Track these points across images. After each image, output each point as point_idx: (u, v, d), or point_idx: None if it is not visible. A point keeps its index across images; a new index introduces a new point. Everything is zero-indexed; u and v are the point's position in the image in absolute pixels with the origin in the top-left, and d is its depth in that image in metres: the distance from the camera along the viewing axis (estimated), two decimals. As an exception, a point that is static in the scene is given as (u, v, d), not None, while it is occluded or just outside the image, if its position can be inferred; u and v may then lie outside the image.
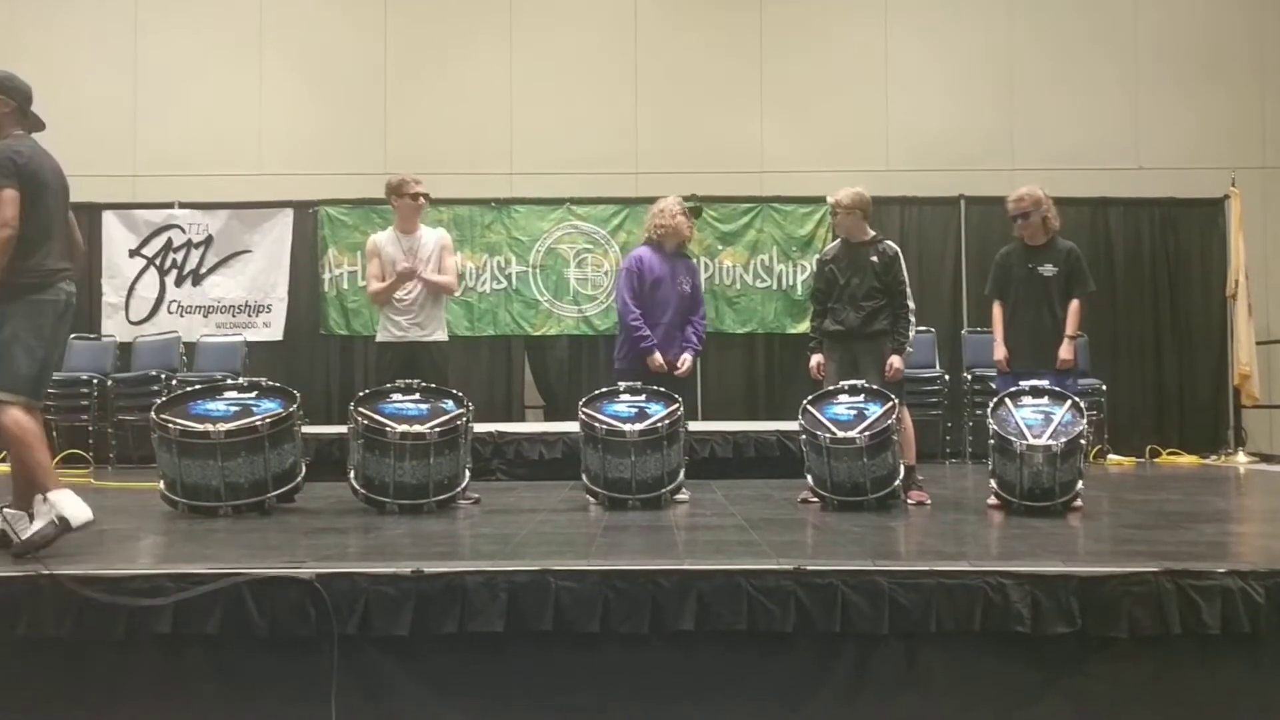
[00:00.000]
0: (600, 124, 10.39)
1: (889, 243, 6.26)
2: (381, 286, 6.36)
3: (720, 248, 10.16)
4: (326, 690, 3.38)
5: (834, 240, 6.55)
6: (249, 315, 10.17)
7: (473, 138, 10.33)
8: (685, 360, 6.47)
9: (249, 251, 10.18)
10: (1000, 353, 6.27)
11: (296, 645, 3.42)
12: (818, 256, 6.77)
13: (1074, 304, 6.20)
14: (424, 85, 10.46)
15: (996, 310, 6.38)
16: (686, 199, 6.90)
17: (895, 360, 5.99)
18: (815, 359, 6.21)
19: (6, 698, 3.44)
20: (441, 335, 6.46)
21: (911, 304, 6.15)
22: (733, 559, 3.75)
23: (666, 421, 5.80)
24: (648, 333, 6.37)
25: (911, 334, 6.13)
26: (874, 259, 6.10)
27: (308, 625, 3.40)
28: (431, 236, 6.50)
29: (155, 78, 10.42)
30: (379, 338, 6.49)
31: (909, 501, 5.77)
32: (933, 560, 3.73)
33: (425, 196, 6.48)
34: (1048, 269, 6.22)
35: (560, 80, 10.47)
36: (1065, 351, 6.17)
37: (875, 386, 5.85)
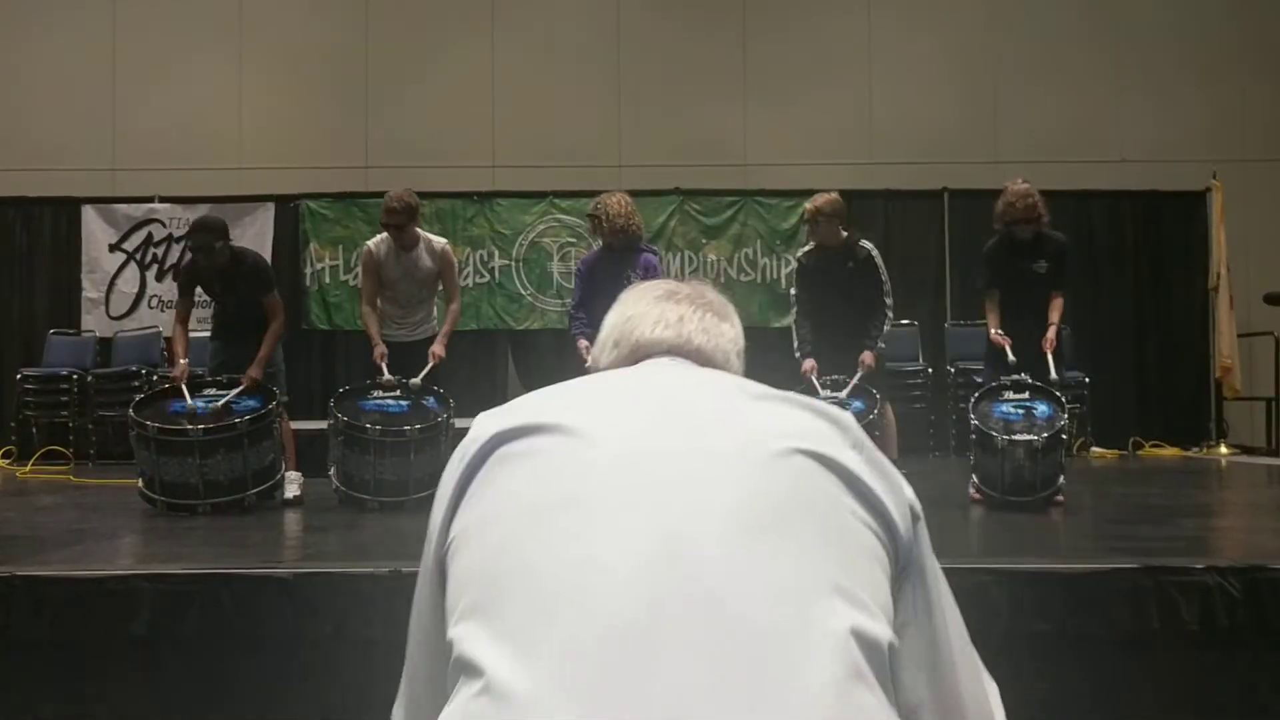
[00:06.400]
0: (583, 117, 10.36)
1: (865, 243, 6.24)
2: (370, 333, 6.17)
3: (704, 241, 10.15)
4: (304, 691, 3.36)
5: (809, 243, 6.53)
6: (230, 310, 10.10)
7: (455, 130, 10.28)
8: None
9: (230, 246, 10.12)
10: (998, 337, 5.93)
11: (274, 645, 3.39)
12: (797, 256, 6.74)
13: (1057, 300, 5.94)
14: (405, 77, 10.40)
15: (990, 302, 6.10)
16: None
17: (866, 355, 6.01)
18: (808, 363, 6.15)
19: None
20: (431, 331, 6.29)
21: (889, 300, 6.15)
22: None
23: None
24: (576, 330, 6.21)
25: (886, 329, 6.13)
26: (850, 264, 6.13)
27: (285, 625, 3.38)
28: (429, 256, 6.20)
29: (134, 71, 10.34)
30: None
31: (891, 496, 5.76)
32: (913, 557, 3.72)
33: (390, 224, 6.06)
34: (1040, 265, 5.96)
35: (543, 73, 10.43)
36: (1051, 335, 5.85)
37: (856, 382, 5.87)
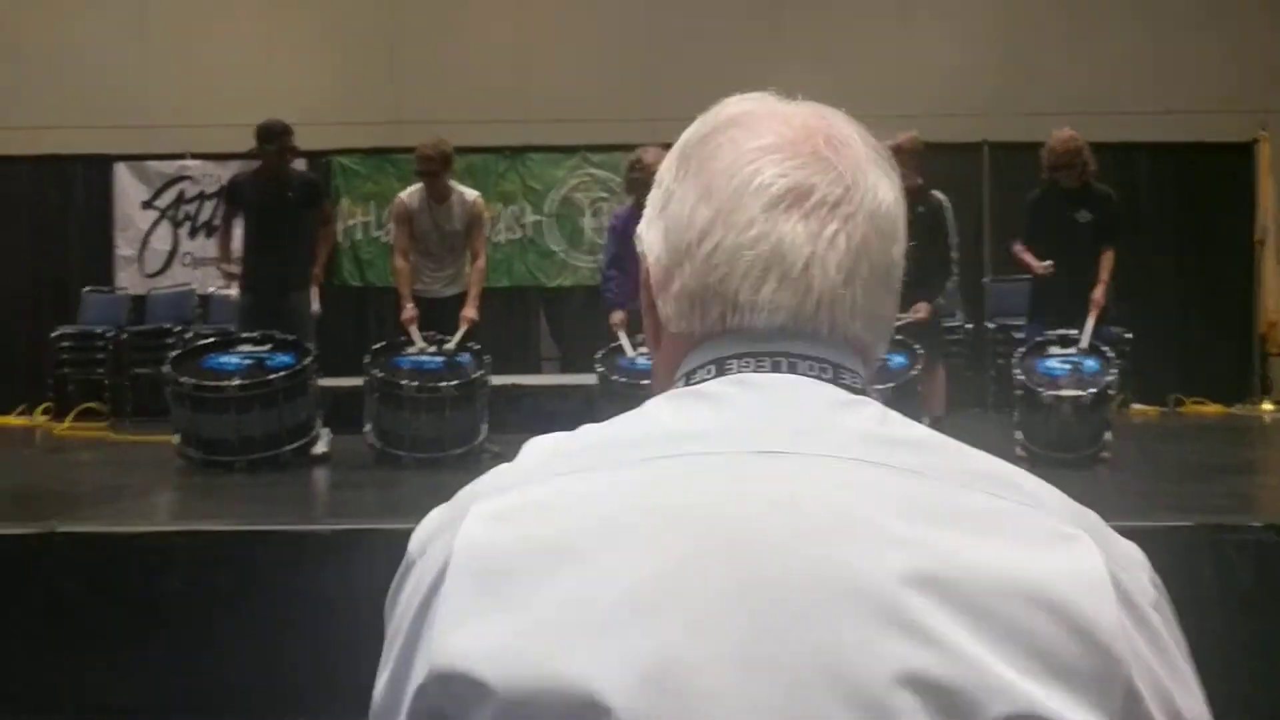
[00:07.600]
0: (614, 69, 10.21)
1: (937, 193, 6.04)
2: (400, 290, 6.14)
3: (737, 196, 10.02)
4: (345, 647, 3.34)
5: None
6: (263, 267, 10.10)
7: (485, 84, 10.16)
8: None
9: (262, 202, 10.10)
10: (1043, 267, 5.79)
11: (311, 603, 3.37)
12: None
13: (1107, 254, 5.80)
14: (436, 31, 10.29)
15: (1019, 245, 5.99)
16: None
17: (921, 305, 5.80)
18: None
19: (23, 655, 3.42)
20: (464, 286, 6.24)
21: (955, 255, 6.00)
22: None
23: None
24: (609, 296, 6.04)
25: (949, 285, 5.99)
26: (921, 209, 5.93)
27: (324, 582, 3.36)
28: (461, 208, 6.14)
29: (166, 28, 10.28)
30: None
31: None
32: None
33: (425, 172, 6.06)
34: (1084, 215, 5.85)
35: (574, 26, 10.28)
36: (1099, 294, 5.73)
37: (902, 338, 5.73)
